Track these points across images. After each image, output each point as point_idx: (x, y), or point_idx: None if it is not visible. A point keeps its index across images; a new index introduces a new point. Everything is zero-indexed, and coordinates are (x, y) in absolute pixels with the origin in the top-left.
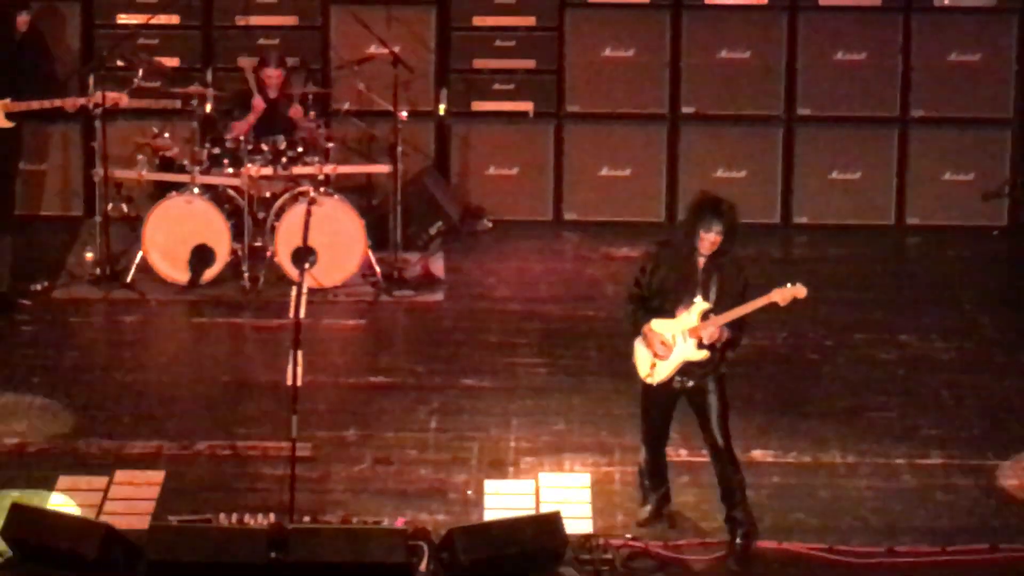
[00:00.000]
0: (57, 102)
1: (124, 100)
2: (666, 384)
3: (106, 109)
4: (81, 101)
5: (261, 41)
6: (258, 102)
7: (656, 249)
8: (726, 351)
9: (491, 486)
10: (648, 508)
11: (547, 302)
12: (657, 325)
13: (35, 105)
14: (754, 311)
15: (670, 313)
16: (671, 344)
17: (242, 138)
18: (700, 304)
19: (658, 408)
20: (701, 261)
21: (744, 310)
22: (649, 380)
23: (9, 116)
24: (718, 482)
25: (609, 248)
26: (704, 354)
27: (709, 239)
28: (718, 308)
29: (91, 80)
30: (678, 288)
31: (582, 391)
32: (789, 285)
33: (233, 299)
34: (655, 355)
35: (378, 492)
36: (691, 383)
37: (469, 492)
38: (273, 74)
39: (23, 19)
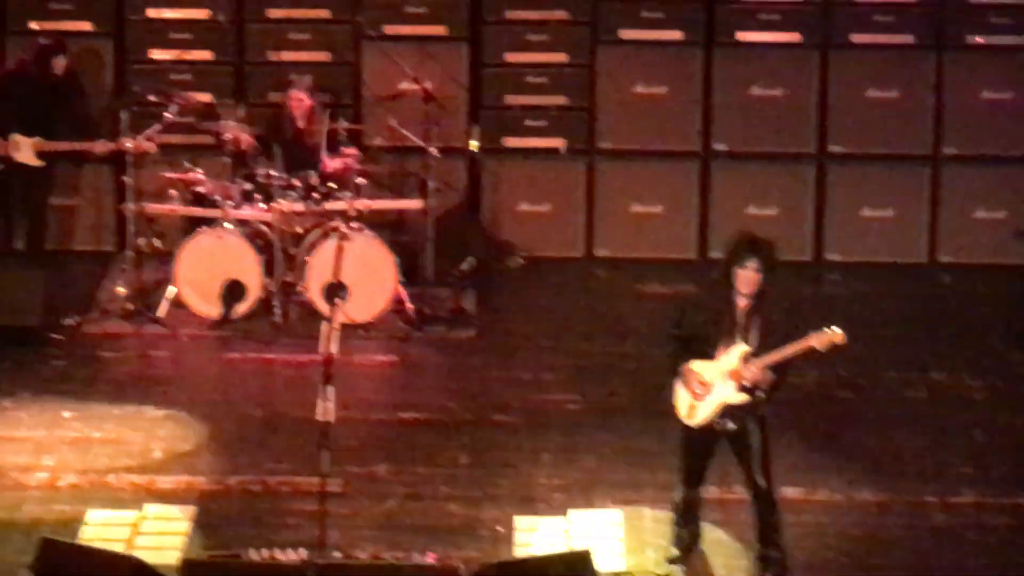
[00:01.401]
0: (87, 145)
1: (152, 147)
2: (706, 426)
3: (133, 154)
4: (111, 146)
5: (293, 77)
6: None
7: (695, 289)
8: (768, 394)
9: (521, 523)
10: (679, 546)
11: (578, 338)
12: (697, 366)
13: (64, 147)
14: (795, 355)
15: (710, 355)
16: (709, 384)
17: (274, 173)
18: (740, 347)
19: (697, 449)
20: (741, 302)
21: (784, 354)
22: (688, 421)
23: (40, 155)
24: (756, 520)
25: (640, 285)
26: (744, 397)
27: (746, 276)
28: (759, 351)
29: (123, 116)
30: (718, 330)
31: (613, 428)
32: (827, 330)
33: (264, 334)
34: (693, 396)
35: (408, 528)
36: (731, 426)
37: (499, 528)
38: (299, 98)
39: (60, 62)
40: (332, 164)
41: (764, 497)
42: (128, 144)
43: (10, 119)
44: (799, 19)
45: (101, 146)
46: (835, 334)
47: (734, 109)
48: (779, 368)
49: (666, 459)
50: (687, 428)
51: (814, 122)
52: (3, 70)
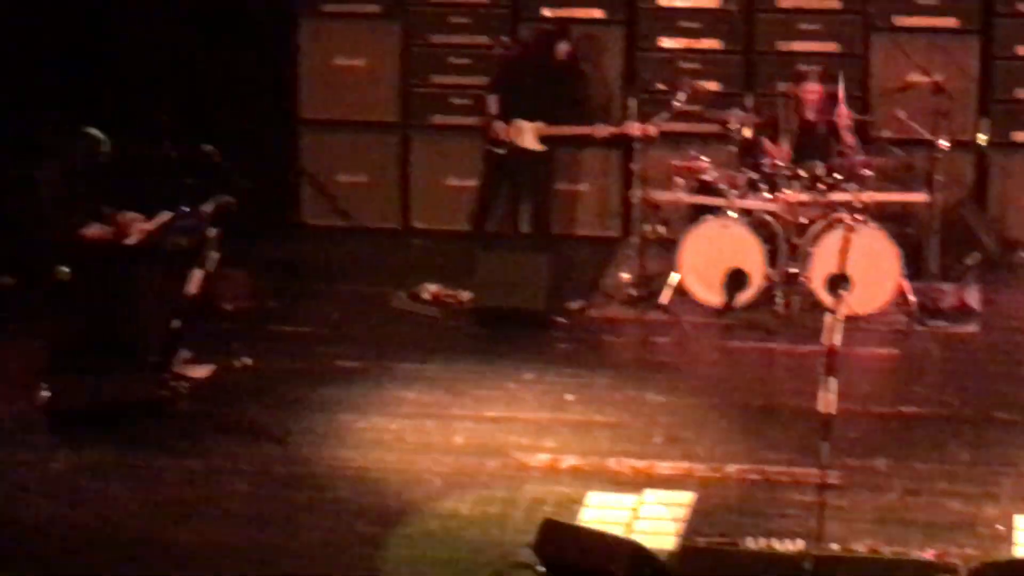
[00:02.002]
0: (588, 130)
1: (654, 132)
2: None
3: (635, 139)
4: (611, 130)
5: (800, 67)
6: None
7: None
8: None
9: (1022, 521)
10: None
11: None
12: None
13: (566, 131)
14: None
15: None
16: None
17: (780, 163)
18: None
19: None
20: None
21: None
22: None
23: (542, 140)
24: None
25: None
26: None
27: None
28: None
29: (632, 104)
30: None
31: None
32: None
33: (766, 324)
34: None
35: (906, 523)
36: None
37: (999, 527)
38: (813, 89)
39: (563, 48)
40: (854, 155)
41: None
42: (631, 129)
43: (513, 104)
44: None
45: (601, 130)
46: None
47: None
48: None
49: None
50: None
51: None
52: (507, 55)
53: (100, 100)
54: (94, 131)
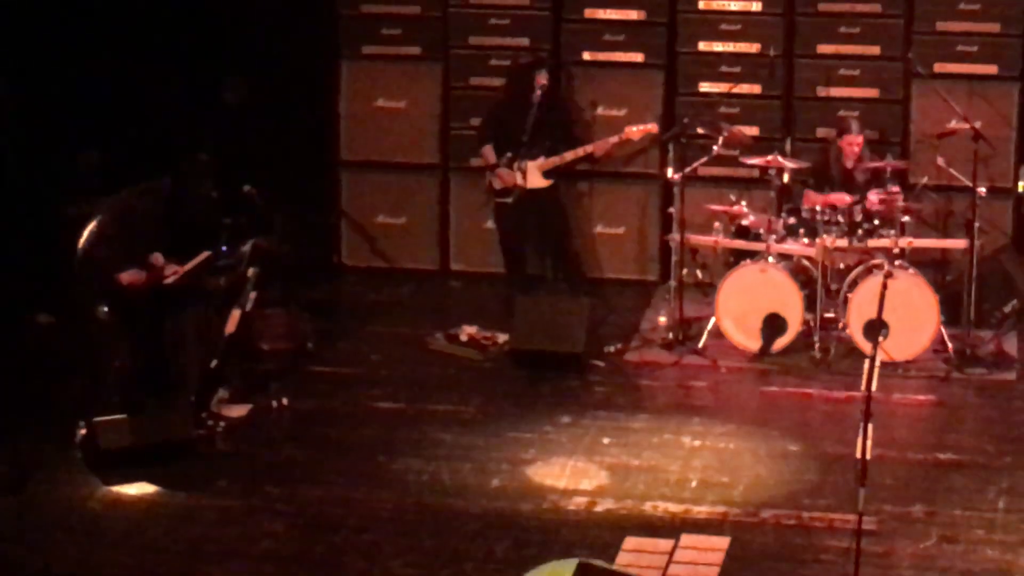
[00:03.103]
0: (589, 148)
1: (654, 128)
2: None
3: (682, 176)
4: (612, 141)
5: (842, 113)
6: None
7: None
8: None
9: None
10: None
11: None
12: None
13: (568, 157)
14: None
15: None
16: None
17: (818, 209)
18: None
19: None
20: None
21: None
22: None
23: (546, 174)
24: None
25: None
26: None
27: None
28: None
29: (671, 147)
30: None
31: None
32: None
33: (803, 369)
34: None
35: (944, 570)
36: None
37: None
38: (856, 141)
39: (541, 79)
40: (875, 200)
41: None
42: (631, 135)
43: (508, 148)
44: None
45: (601, 145)
46: None
47: None
48: None
49: None
50: None
51: None
52: (493, 100)
53: (143, 141)
54: (157, 183)
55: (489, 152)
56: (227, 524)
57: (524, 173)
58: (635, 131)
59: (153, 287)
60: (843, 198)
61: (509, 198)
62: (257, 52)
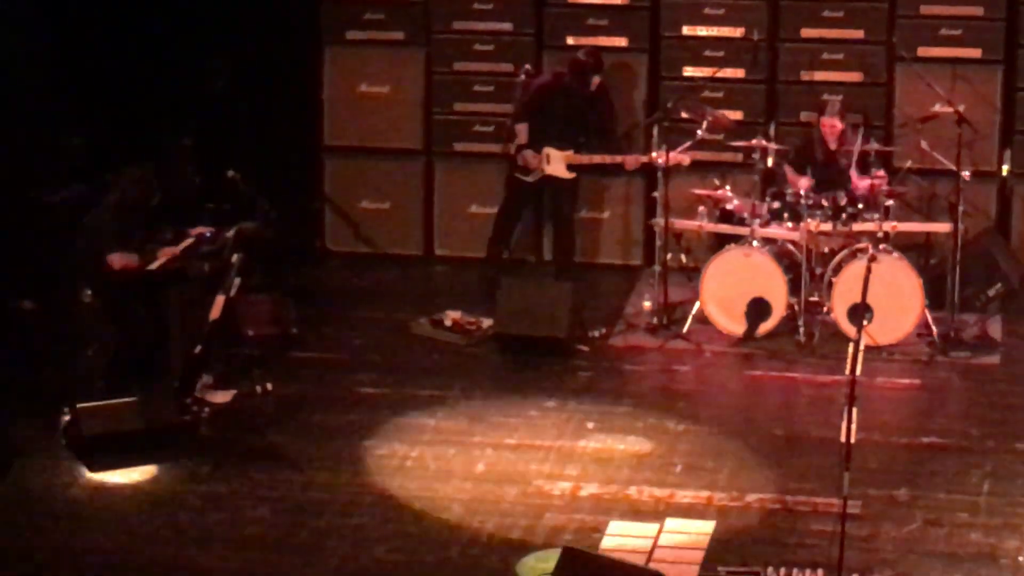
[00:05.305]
0: (619, 159)
1: (686, 160)
2: None
3: (668, 168)
4: (643, 159)
5: (825, 96)
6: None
7: None
8: None
9: None
10: None
11: None
12: None
13: (597, 159)
14: None
15: None
16: None
17: (802, 193)
18: None
19: None
20: None
21: None
22: None
23: (570, 168)
24: None
25: None
26: None
27: None
28: None
29: (655, 131)
30: None
31: None
32: None
33: (788, 353)
34: None
35: (927, 554)
36: None
37: (1021, 559)
38: (832, 123)
39: (596, 80)
40: (861, 184)
41: None
42: (661, 159)
43: (544, 132)
44: None
45: (633, 160)
46: None
47: None
48: None
49: None
50: None
51: None
52: (540, 82)
53: (125, 126)
54: (150, 174)
55: (522, 131)
56: (211, 509)
57: (548, 159)
58: (666, 157)
59: (139, 273)
60: (806, 183)
61: (530, 177)
62: (240, 37)
